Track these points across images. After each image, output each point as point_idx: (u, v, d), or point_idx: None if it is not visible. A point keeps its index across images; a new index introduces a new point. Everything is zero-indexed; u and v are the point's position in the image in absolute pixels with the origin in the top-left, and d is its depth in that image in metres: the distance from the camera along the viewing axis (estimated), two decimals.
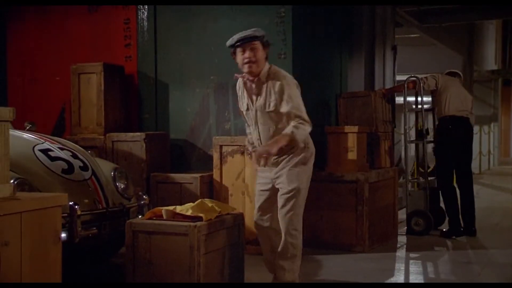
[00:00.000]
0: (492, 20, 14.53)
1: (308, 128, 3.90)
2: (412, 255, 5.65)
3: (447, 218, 6.61)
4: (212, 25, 6.07)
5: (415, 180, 7.36)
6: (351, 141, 5.71)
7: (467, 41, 13.99)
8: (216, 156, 5.57)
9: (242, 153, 5.46)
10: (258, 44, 4.00)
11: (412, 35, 12.38)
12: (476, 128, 14.62)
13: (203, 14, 6.10)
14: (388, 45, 7.79)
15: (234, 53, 4.01)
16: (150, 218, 4.17)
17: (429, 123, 7.14)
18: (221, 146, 5.55)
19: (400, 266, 5.25)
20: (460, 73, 7.01)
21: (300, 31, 5.85)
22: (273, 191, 4.11)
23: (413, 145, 9.21)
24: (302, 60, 5.94)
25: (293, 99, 3.91)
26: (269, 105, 3.96)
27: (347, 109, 6.43)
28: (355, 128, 5.77)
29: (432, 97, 6.74)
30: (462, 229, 6.42)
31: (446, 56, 14.57)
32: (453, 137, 6.45)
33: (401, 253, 5.76)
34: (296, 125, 3.84)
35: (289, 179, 3.99)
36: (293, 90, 3.96)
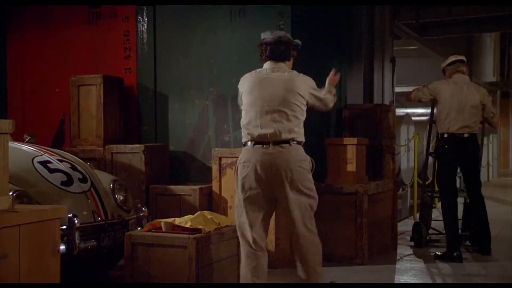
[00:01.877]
0: (490, 33, 14.59)
1: None
2: (411, 267, 5.62)
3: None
4: (212, 37, 6.09)
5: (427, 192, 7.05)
6: (350, 153, 5.72)
7: (465, 53, 13.98)
8: (215, 168, 5.57)
9: None
10: None
11: (410, 47, 12.42)
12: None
13: (202, 26, 6.13)
14: (387, 57, 7.82)
15: None
16: (149, 230, 4.17)
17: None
18: (220, 158, 5.55)
19: (399, 278, 5.23)
20: (464, 58, 6.14)
21: None
22: None
23: (411, 157, 9.23)
24: (301, 71, 5.94)
25: None
26: None
27: (351, 121, 6.44)
28: (354, 140, 5.77)
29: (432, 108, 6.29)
30: (459, 253, 5.74)
31: None
32: (450, 157, 5.89)
33: (400, 265, 5.74)
34: None
35: None
36: None
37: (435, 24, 10.23)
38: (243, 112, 3.97)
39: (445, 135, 5.89)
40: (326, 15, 6.50)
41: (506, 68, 18.16)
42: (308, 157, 3.96)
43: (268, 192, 3.84)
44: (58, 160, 4.56)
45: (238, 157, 5.34)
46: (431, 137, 6.79)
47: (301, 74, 4.09)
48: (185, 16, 6.21)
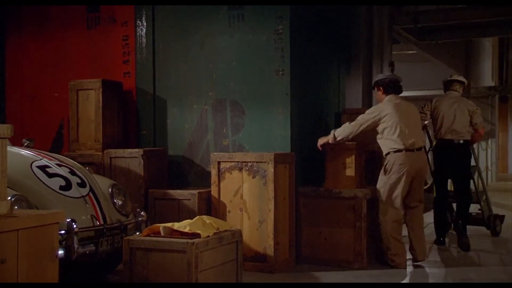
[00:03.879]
0: (488, 37, 14.60)
1: (344, 127, 5.63)
2: (410, 271, 5.62)
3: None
4: (210, 42, 6.09)
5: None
6: (349, 157, 5.71)
7: (464, 57, 14.07)
8: (214, 173, 5.56)
9: (240, 169, 5.46)
10: (375, 89, 5.85)
11: (409, 52, 12.42)
12: (474, 145, 14.61)
13: (201, 31, 6.13)
14: (385, 61, 7.81)
15: None
16: (147, 235, 4.17)
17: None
18: (219, 163, 5.54)
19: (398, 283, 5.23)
20: (460, 79, 6.87)
21: (298, 48, 5.88)
22: None
23: None
24: (301, 76, 5.97)
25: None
26: None
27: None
28: (353, 145, 5.77)
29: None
30: (443, 240, 6.80)
31: (443, 73, 14.60)
32: (443, 161, 6.65)
33: (400, 269, 5.72)
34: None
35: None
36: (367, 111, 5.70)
37: (434, 28, 10.22)
38: (388, 127, 5.51)
39: (439, 140, 6.68)
40: (324, 19, 6.51)
41: (505, 73, 18.16)
42: None
43: (410, 181, 5.54)
44: (57, 164, 4.55)
45: (237, 162, 5.42)
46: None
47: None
48: (184, 21, 6.21)
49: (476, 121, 6.64)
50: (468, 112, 6.59)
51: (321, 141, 5.73)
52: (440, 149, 6.66)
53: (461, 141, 6.54)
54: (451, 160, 6.58)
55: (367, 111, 5.69)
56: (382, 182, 5.55)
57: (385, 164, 5.57)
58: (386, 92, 5.68)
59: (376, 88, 5.83)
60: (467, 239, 6.50)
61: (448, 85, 6.81)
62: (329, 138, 5.64)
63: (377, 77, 5.94)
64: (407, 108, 5.70)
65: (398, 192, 5.50)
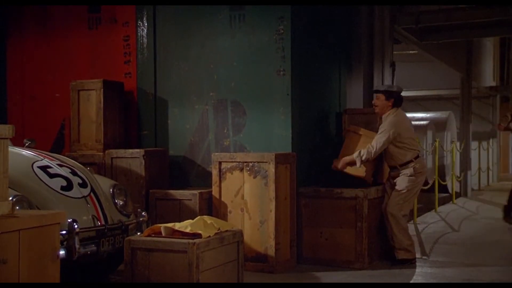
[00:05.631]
0: (490, 37, 14.59)
1: (369, 153, 5.63)
2: (412, 272, 5.62)
3: None
4: (212, 42, 6.09)
5: None
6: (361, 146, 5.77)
7: (465, 58, 14.03)
8: (215, 173, 5.57)
9: (241, 169, 5.46)
10: (380, 95, 5.86)
11: (410, 52, 12.43)
12: (475, 144, 14.61)
13: (202, 31, 6.14)
14: (386, 61, 7.81)
15: None
16: (149, 235, 4.17)
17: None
18: (220, 163, 5.54)
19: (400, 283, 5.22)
20: None
21: (299, 48, 5.88)
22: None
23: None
24: (302, 76, 5.97)
25: (379, 133, 5.72)
26: None
27: (351, 125, 6.43)
28: (372, 133, 5.87)
29: None
30: None
31: (444, 73, 14.61)
32: None
33: (401, 270, 5.72)
34: (365, 148, 5.68)
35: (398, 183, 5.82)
36: (384, 126, 5.72)
37: (435, 28, 10.23)
38: (408, 140, 5.78)
39: None
40: (326, 20, 6.51)
41: (506, 73, 18.15)
42: None
43: None
44: (58, 165, 4.56)
45: (238, 162, 5.42)
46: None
47: None
48: (185, 21, 6.21)
49: None
50: None
51: (343, 162, 5.76)
52: None
53: None
54: None
55: (383, 128, 5.71)
56: (409, 182, 5.77)
57: (413, 168, 5.76)
58: (395, 105, 5.83)
59: (384, 96, 5.82)
60: None
61: None
62: (356, 161, 5.68)
63: (388, 86, 6.03)
64: (408, 118, 6.04)
65: (418, 189, 5.95)
